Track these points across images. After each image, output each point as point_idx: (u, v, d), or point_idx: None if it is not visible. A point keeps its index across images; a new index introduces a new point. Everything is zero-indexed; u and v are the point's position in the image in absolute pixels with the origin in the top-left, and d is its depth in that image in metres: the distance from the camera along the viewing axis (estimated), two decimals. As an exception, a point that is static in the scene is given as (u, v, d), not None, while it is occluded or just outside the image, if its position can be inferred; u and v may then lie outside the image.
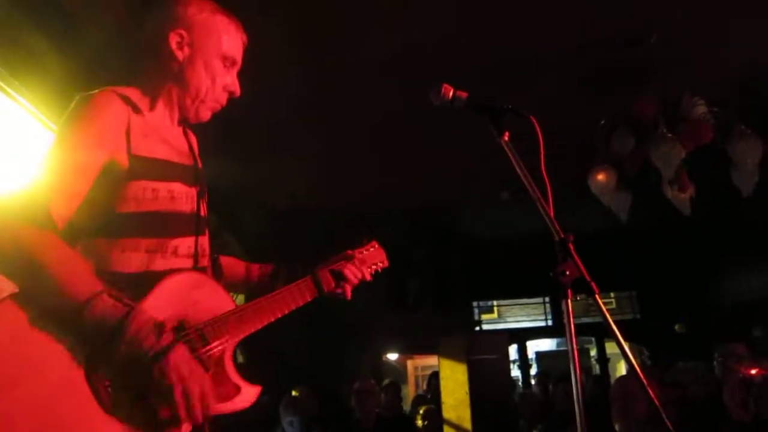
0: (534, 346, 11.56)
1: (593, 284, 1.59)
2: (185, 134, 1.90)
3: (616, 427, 3.13)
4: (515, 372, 10.69)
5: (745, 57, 4.71)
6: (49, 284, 1.41)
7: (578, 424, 1.56)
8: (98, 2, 3.27)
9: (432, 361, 7.60)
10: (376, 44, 4.20)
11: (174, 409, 1.44)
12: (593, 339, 11.19)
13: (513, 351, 10.75)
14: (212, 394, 1.51)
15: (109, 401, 1.42)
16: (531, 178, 1.71)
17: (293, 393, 5.81)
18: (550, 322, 10.94)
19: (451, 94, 1.85)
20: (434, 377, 6.74)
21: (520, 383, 10.47)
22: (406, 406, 7.39)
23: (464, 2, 3.95)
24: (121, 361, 1.41)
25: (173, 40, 1.76)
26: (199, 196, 1.79)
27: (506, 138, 1.77)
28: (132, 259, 1.57)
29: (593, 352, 11.49)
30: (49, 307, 1.41)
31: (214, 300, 1.67)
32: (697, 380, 4.21)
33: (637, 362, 1.61)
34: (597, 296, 1.60)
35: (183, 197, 1.73)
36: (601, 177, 4.81)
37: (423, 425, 5.52)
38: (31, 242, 1.42)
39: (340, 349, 7.75)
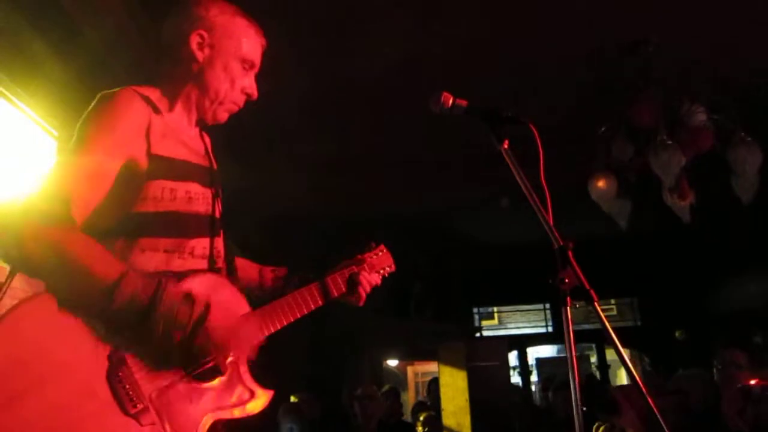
0: (534, 353, 11.52)
1: (592, 292, 1.59)
2: (201, 136, 1.92)
3: None
4: (516, 378, 10.67)
5: (745, 64, 4.72)
6: (77, 273, 1.43)
7: (577, 430, 1.57)
8: (99, 6, 3.28)
9: (432, 367, 7.59)
10: (378, 52, 4.22)
11: (219, 364, 1.54)
12: (594, 345, 11.17)
13: (513, 357, 10.74)
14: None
15: (128, 401, 1.44)
16: (530, 186, 1.71)
17: (292, 399, 5.81)
18: (550, 329, 10.92)
19: (450, 102, 1.86)
20: (434, 383, 6.73)
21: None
22: (407, 413, 7.38)
23: (465, 11, 3.96)
24: (158, 334, 1.45)
25: (194, 41, 1.78)
26: (215, 198, 1.81)
27: (505, 146, 1.77)
28: (151, 259, 1.58)
29: (593, 359, 11.46)
30: (80, 296, 1.43)
31: (231, 303, 1.69)
32: (697, 387, 4.19)
33: (636, 369, 1.61)
34: (596, 304, 1.60)
35: (200, 198, 1.74)
36: (601, 184, 4.81)
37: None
38: (55, 237, 1.42)
39: (340, 355, 7.74)
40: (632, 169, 4.66)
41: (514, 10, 4.00)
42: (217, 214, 1.81)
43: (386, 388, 6.28)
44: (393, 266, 2.24)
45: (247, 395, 1.66)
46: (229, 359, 1.64)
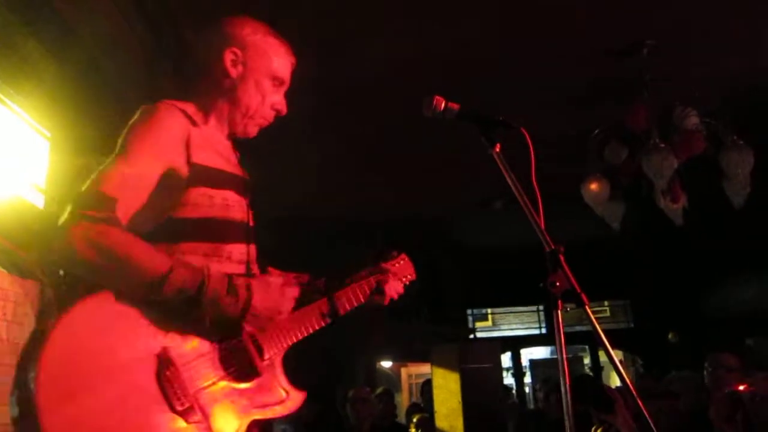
0: (528, 354, 11.55)
1: (583, 295, 1.60)
2: (233, 148, 1.99)
3: None
4: (509, 380, 10.69)
5: (737, 68, 4.75)
6: (128, 268, 1.49)
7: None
8: (93, 7, 3.28)
9: (426, 369, 7.58)
10: (372, 57, 4.23)
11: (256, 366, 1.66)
12: (587, 347, 11.21)
13: (507, 359, 10.76)
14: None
15: (176, 399, 1.50)
16: (522, 189, 1.72)
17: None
18: (544, 330, 10.95)
19: (443, 105, 1.86)
20: (427, 385, 6.73)
21: (513, 391, 10.47)
22: (401, 415, 7.37)
23: (458, 16, 3.97)
24: (208, 321, 1.56)
25: (228, 58, 1.86)
26: (249, 207, 1.89)
27: (497, 149, 1.78)
28: (192, 263, 1.62)
29: (587, 360, 11.50)
30: (132, 290, 1.50)
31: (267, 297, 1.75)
32: (688, 390, 4.21)
33: (629, 371, 1.62)
34: (587, 307, 1.61)
35: (236, 206, 1.81)
36: (594, 187, 4.83)
37: (416, 434, 5.52)
38: (106, 235, 1.49)
39: (334, 356, 7.74)
40: (625, 172, 4.68)
41: (510, 14, 4.02)
42: (251, 223, 1.89)
43: (380, 390, 6.27)
44: (414, 275, 2.31)
45: (283, 395, 1.75)
46: (266, 361, 1.73)
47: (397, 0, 3.81)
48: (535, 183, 1.73)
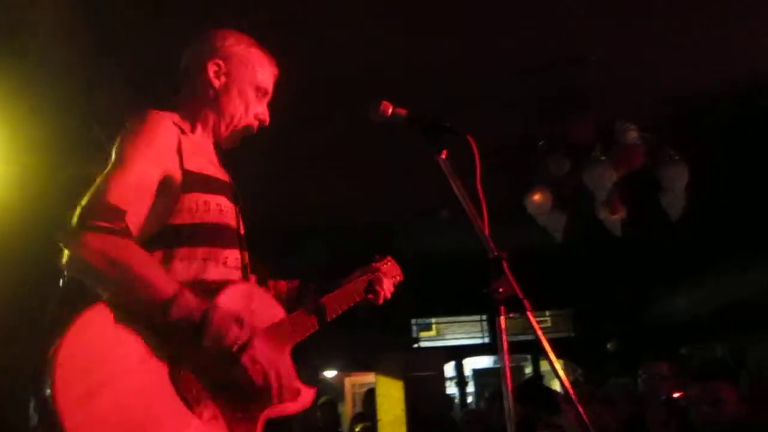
0: (471, 364, 11.64)
1: (526, 301, 1.61)
2: (219, 157, 1.99)
3: None
4: (453, 389, 10.75)
5: (676, 85, 4.92)
6: (136, 285, 1.48)
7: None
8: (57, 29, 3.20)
9: (370, 378, 7.58)
10: (318, 62, 4.21)
11: (267, 391, 1.58)
12: (529, 357, 11.37)
13: (451, 368, 10.82)
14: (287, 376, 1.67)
15: (193, 399, 1.52)
16: (466, 196, 1.73)
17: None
18: (487, 340, 11.06)
19: (390, 111, 1.87)
20: (370, 394, 6.72)
21: (457, 400, 10.53)
22: (344, 425, 7.33)
23: (406, 24, 4.00)
24: (209, 352, 1.51)
25: (211, 69, 1.89)
26: (238, 214, 1.90)
27: (443, 156, 1.78)
28: (189, 268, 1.66)
29: (528, 370, 11.66)
30: (137, 307, 1.48)
31: (268, 310, 1.79)
32: (624, 396, 4.32)
33: (568, 379, 1.65)
34: (529, 313, 1.62)
35: (229, 212, 1.83)
36: (537, 197, 4.92)
37: (359, 443, 5.50)
38: (117, 248, 1.48)
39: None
40: (568, 183, 4.79)
41: (457, 26, 4.07)
42: (242, 230, 1.90)
43: (323, 399, 6.23)
44: (401, 275, 2.38)
45: (295, 392, 1.76)
46: None
47: (344, 9, 3.81)
48: (479, 190, 1.75)
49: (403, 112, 1.87)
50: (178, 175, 1.69)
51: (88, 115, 3.51)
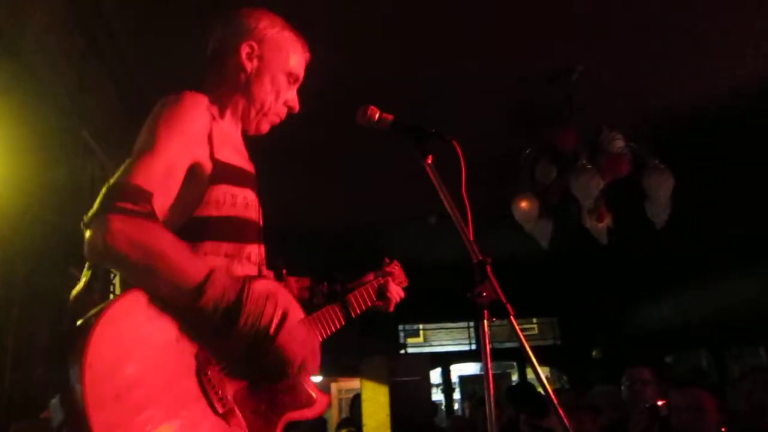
0: (458, 371, 11.66)
1: (509, 306, 1.62)
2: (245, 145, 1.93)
3: None
4: (439, 396, 10.76)
5: (661, 94, 4.98)
6: (166, 269, 1.40)
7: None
8: (46, 32, 3.19)
9: (357, 384, 7.56)
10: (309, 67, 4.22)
11: (299, 366, 1.57)
12: (515, 364, 11.40)
13: (437, 375, 10.84)
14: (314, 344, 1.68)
15: (218, 401, 1.47)
16: (452, 201, 1.75)
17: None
18: (474, 347, 11.08)
19: (377, 115, 1.88)
20: (357, 399, 6.72)
21: (443, 407, 10.54)
22: (331, 430, 7.32)
23: (392, 33, 4.03)
24: (242, 337, 1.48)
25: (244, 51, 1.80)
26: (259, 207, 1.83)
27: (429, 160, 1.80)
28: (213, 263, 1.55)
29: (515, 377, 11.70)
30: (167, 292, 1.42)
31: (290, 306, 1.69)
32: (609, 404, 4.35)
33: (554, 386, 1.65)
34: (512, 318, 1.63)
35: (253, 205, 1.76)
36: (524, 205, 4.95)
37: (343, 448, 5.49)
38: (144, 231, 1.39)
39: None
40: (554, 191, 4.82)
41: (446, 35, 4.10)
42: (261, 223, 1.84)
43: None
44: (407, 281, 2.34)
45: (311, 396, 1.75)
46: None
47: (337, 15, 3.83)
48: (464, 195, 1.76)
49: (389, 117, 1.88)
50: (207, 165, 1.62)
51: (75, 116, 3.50)
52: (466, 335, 11.38)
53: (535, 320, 11.62)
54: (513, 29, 4.09)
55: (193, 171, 1.60)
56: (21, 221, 2.89)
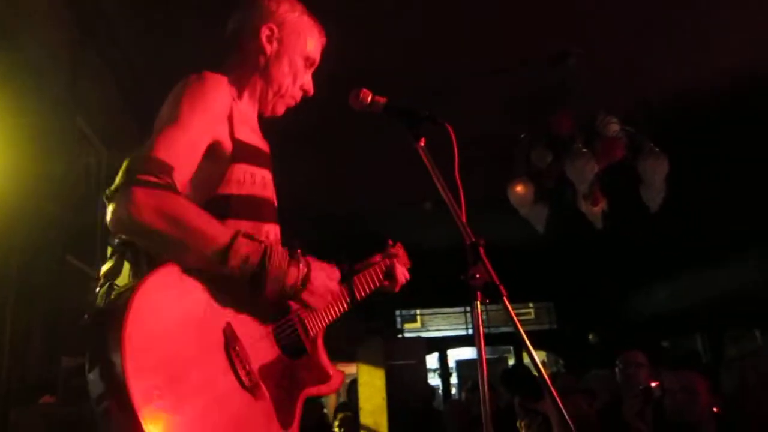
0: (455, 355, 11.71)
1: (502, 287, 1.63)
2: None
3: None
4: (436, 381, 10.81)
5: (657, 78, 4.97)
6: (192, 235, 1.44)
7: (485, 428, 1.60)
8: (42, 21, 3.17)
9: (354, 369, 7.60)
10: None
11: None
12: (512, 348, 11.45)
13: (434, 360, 10.89)
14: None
15: (245, 375, 1.50)
16: (445, 184, 1.75)
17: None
18: (470, 331, 11.11)
19: (369, 98, 1.88)
20: (354, 384, 6.75)
21: (440, 391, 10.60)
22: (328, 413, 7.35)
23: (389, 18, 4.02)
24: (268, 292, 1.52)
25: (264, 34, 1.84)
26: (275, 187, 1.88)
27: (422, 143, 1.80)
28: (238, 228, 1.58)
29: (511, 361, 11.74)
30: (194, 260, 1.46)
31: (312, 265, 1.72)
32: (604, 387, 4.38)
33: (551, 370, 1.66)
34: (505, 299, 1.64)
35: (270, 185, 1.81)
36: (519, 189, 4.96)
37: (340, 432, 5.53)
38: (167, 202, 1.42)
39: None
40: (550, 175, 4.83)
41: (442, 19, 4.09)
42: (276, 203, 1.88)
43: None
44: (409, 262, 2.37)
45: (327, 372, 1.80)
46: (311, 338, 1.77)
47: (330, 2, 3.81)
48: (457, 177, 1.77)
49: (382, 100, 1.88)
50: (228, 144, 1.66)
51: (71, 106, 3.49)
52: (463, 320, 11.43)
53: (531, 305, 11.66)
54: (510, 14, 4.08)
55: (213, 149, 1.63)
56: (18, 212, 2.89)
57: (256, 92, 1.86)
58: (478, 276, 1.62)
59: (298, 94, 1.93)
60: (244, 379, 1.50)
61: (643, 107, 5.09)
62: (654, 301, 9.74)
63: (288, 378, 1.65)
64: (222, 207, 1.63)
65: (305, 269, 1.59)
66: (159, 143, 1.50)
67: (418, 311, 12.05)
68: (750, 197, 6.84)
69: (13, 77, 2.88)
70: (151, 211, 1.39)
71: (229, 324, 1.52)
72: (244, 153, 1.70)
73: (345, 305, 1.97)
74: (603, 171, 4.57)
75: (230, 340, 1.50)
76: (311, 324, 1.79)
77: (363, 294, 2.08)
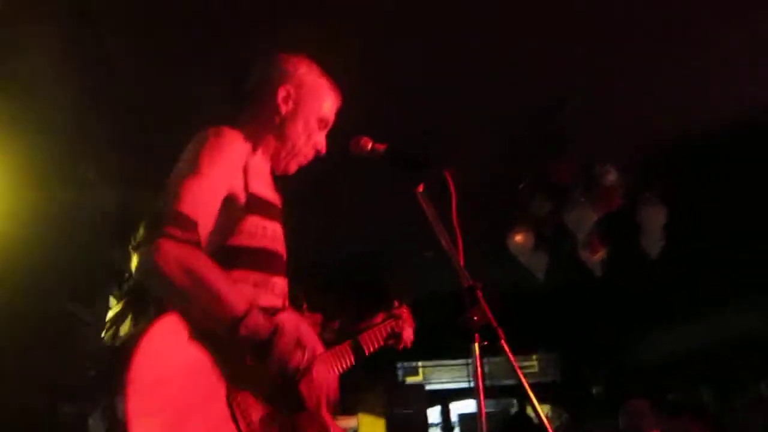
0: (458, 409, 11.53)
1: (500, 330, 1.65)
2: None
3: None
4: (438, 433, 10.63)
5: (653, 128, 5.04)
6: (209, 298, 1.47)
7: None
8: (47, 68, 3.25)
9: (354, 423, 7.50)
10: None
11: (316, 405, 1.64)
12: (515, 401, 11.27)
13: (437, 414, 10.71)
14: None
15: (245, 426, 1.50)
16: (443, 229, 1.78)
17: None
18: (473, 384, 10.94)
19: (369, 146, 1.93)
20: (354, 437, 6.65)
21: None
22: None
23: (385, 64, 4.10)
24: (272, 369, 1.54)
25: (281, 94, 1.89)
26: (284, 241, 1.90)
27: (420, 189, 1.84)
28: (243, 292, 1.62)
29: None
30: (206, 319, 1.49)
31: (311, 340, 1.73)
32: (608, 438, 4.33)
33: (554, 424, 1.65)
34: (503, 342, 1.65)
35: (280, 238, 1.85)
36: (519, 237, 4.99)
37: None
38: (193, 259, 1.48)
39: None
40: (548, 224, 4.86)
41: (434, 71, 4.17)
42: (285, 256, 1.90)
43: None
44: (414, 324, 2.45)
45: (328, 429, 1.76)
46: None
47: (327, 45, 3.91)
48: (455, 222, 1.80)
49: (381, 147, 1.93)
50: (242, 196, 1.71)
51: (75, 151, 3.55)
52: (465, 373, 11.28)
53: (534, 357, 11.53)
54: (509, 63, 4.16)
55: (229, 201, 1.69)
56: (19, 256, 2.92)
57: (269, 149, 1.92)
58: (476, 318, 1.65)
59: (311, 153, 1.99)
60: (245, 430, 1.50)
61: (642, 154, 5.15)
62: (660, 352, 9.65)
63: (289, 431, 1.65)
64: (233, 257, 1.67)
65: (309, 357, 1.60)
66: (183, 197, 1.55)
67: (419, 363, 11.91)
68: (750, 242, 6.83)
69: (16, 122, 2.94)
70: (175, 264, 1.44)
71: (232, 373, 1.53)
72: (257, 206, 1.75)
73: (351, 361, 2.02)
74: (601, 219, 4.60)
75: (231, 390, 1.51)
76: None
77: (368, 352, 2.13)
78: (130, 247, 1.50)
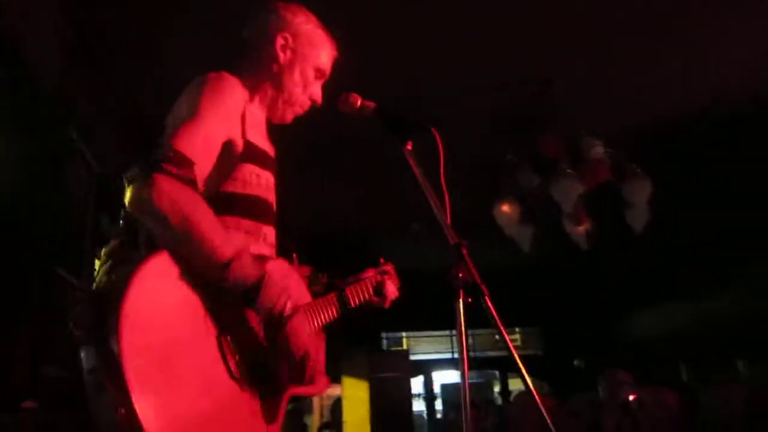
0: (440, 379, 11.67)
1: (483, 287, 1.65)
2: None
3: None
4: (421, 405, 10.76)
5: (638, 104, 5.07)
6: (198, 240, 1.46)
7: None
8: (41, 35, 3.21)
9: (338, 390, 7.57)
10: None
11: (292, 370, 1.61)
12: (497, 372, 11.42)
13: (419, 384, 10.84)
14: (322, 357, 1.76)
15: (234, 365, 1.51)
16: (430, 188, 1.78)
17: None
18: (456, 355, 11.06)
19: (359, 102, 1.91)
20: (337, 403, 6.72)
21: (425, 415, 10.54)
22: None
23: (379, 36, 4.08)
24: (258, 312, 1.55)
25: (279, 42, 1.89)
26: (276, 191, 1.91)
27: (408, 147, 1.84)
28: (234, 237, 1.61)
29: (497, 387, 11.71)
30: (195, 260, 1.48)
31: (300, 290, 1.73)
32: (587, 408, 4.40)
33: (534, 386, 1.64)
34: (487, 298, 1.65)
35: (273, 188, 1.85)
36: (506, 209, 5.01)
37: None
38: (186, 198, 1.46)
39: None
40: (536, 196, 4.88)
41: (425, 43, 4.16)
42: (275, 207, 1.90)
43: (288, 407, 6.20)
44: (399, 282, 2.40)
45: (314, 376, 1.75)
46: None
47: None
48: (443, 181, 1.80)
49: (371, 104, 1.92)
50: (239, 143, 1.71)
51: (63, 117, 3.52)
52: (449, 344, 11.40)
53: (518, 330, 11.65)
54: (497, 37, 4.16)
55: (226, 147, 1.67)
56: (7, 222, 2.91)
57: (266, 98, 1.91)
58: (460, 275, 1.66)
59: (307, 104, 1.98)
60: (234, 369, 1.51)
61: (628, 129, 5.17)
62: (640, 328, 9.77)
63: (274, 374, 1.66)
64: (226, 203, 1.67)
65: (293, 307, 1.59)
66: (181, 137, 1.54)
67: (404, 334, 12.01)
68: (735, 221, 6.90)
69: (11, 91, 2.92)
70: (169, 201, 1.43)
71: (222, 312, 1.54)
72: (252, 154, 1.74)
73: (335, 313, 2.00)
74: (588, 192, 4.63)
75: (222, 330, 1.52)
76: None
77: (353, 304, 2.10)
78: (124, 180, 1.47)
